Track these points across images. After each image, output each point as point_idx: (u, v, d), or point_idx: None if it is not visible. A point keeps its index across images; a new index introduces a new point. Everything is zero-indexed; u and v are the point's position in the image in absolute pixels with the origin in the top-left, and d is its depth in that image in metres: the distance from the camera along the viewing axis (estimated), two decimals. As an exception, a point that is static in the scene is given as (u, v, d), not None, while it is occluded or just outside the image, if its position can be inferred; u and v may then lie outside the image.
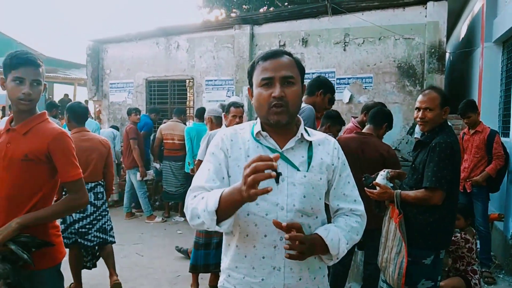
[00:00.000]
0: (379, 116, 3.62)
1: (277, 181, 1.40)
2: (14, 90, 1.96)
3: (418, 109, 2.75)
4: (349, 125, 4.82)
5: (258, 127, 1.54)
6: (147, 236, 6.03)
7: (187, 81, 8.56)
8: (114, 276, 3.97)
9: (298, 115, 1.59)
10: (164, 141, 6.85)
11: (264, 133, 1.53)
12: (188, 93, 8.84)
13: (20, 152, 1.98)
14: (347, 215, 1.56)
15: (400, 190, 2.74)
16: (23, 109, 2.02)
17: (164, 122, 7.35)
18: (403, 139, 6.64)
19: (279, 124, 1.48)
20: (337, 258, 1.49)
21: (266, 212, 1.45)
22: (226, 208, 1.31)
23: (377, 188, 2.79)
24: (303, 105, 3.47)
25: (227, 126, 3.92)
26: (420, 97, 2.76)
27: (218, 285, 1.61)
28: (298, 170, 1.48)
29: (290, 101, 1.47)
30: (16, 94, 1.96)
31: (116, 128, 8.13)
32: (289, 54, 1.56)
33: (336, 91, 6.83)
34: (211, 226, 1.35)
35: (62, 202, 2.07)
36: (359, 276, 4.00)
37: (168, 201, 7.15)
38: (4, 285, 2.01)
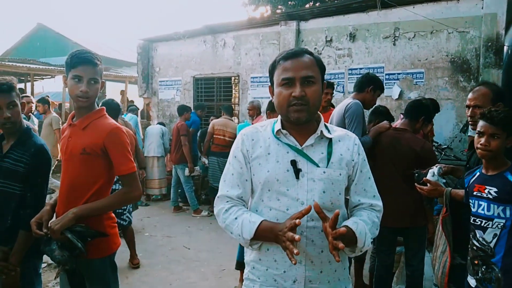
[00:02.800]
0: (414, 109, 3.42)
1: (297, 177, 1.51)
2: (73, 88, 2.08)
3: (468, 107, 2.61)
4: (398, 122, 4.67)
5: (278, 125, 1.60)
6: (194, 230, 6.18)
7: (233, 78, 8.65)
8: (136, 258, 4.72)
9: (319, 112, 1.64)
10: (214, 135, 6.89)
11: (284, 131, 1.58)
12: (233, 90, 8.94)
13: (79, 146, 2.09)
14: (367, 210, 1.60)
15: (451, 188, 2.63)
16: (81, 106, 2.13)
17: (212, 119, 7.47)
18: (455, 137, 6.34)
19: (299, 121, 1.53)
20: (360, 251, 1.53)
21: (287, 207, 1.51)
22: (259, 239, 1.50)
23: (428, 184, 2.70)
24: (349, 100, 3.42)
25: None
26: (469, 94, 2.63)
27: (243, 277, 1.69)
28: (318, 166, 1.53)
29: (311, 100, 1.52)
30: (75, 92, 2.08)
31: (163, 124, 8.37)
32: (310, 53, 1.59)
33: (385, 86, 6.69)
34: (243, 245, 1.58)
35: (116, 195, 2.17)
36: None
37: (214, 196, 7.26)
38: (63, 271, 2.14)
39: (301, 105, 1.50)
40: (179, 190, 7.48)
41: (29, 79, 14.24)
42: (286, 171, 1.51)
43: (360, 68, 6.89)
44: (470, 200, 2.26)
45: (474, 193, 2.23)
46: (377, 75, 6.70)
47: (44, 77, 15.90)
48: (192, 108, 8.11)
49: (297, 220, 1.33)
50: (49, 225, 2.02)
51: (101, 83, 2.17)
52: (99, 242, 2.10)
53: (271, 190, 1.53)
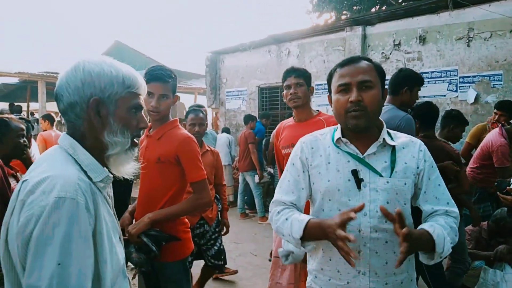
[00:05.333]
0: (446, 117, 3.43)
1: (358, 187, 1.47)
2: (146, 103, 2.23)
3: None
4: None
5: (338, 133, 1.56)
6: (260, 237, 6.24)
7: (298, 86, 8.67)
8: None
9: (380, 118, 1.58)
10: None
11: (344, 139, 1.54)
12: (298, 98, 8.94)
13: (154, 155, 2.24)
14: (443, 216, 1.50)
15: None
16: (153, 119, 2.28)
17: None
18: (542, 143, 5.81)
19: (358, 128, 1.48)
20: (440, 257, 1.43)
21: None
22: (310, 237, 1.45)
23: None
24: (390, 109, 2.96)
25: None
26: None
27: (306, 285, 1.67)
28: (381, 176, 1.47)
29: (369, 105, 1.47)
30: (147, 106, 2.23)
31: (228, 130, 8.58)
32: (368, 59, 1.56)
33: (459, 90, 6.33)
34: (296, 247, 1.51)
35: (187, 201, 2.27)
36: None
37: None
38: (139, 273, 2.28)
39: (359, 110, 1.46)
40: (245, 197, 7.64)
41: (108, 93, 15.34)
42: (347, 181, 1.48)
43: (432, 72, 6.59)
44: None
45: None
46: (450, 78, 6.42)
47: (121, 91, 16.99)
48: (257, 117, 8.25)
49: (352, 237, 1.25)
50: (127, 229, 2.17)
51: (175, 97, 2.30)
52: (173, 246, 2.21)
53: (332, 200, 1.51)
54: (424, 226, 1.42)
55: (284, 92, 2.85)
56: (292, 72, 2.86)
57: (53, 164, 1.08)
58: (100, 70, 1.15)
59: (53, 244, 0.94)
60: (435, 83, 6.58)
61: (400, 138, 1.57)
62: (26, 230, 0.96)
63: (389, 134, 1.57)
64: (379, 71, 1.55)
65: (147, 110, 2.23)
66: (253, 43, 9.01)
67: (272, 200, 1.64)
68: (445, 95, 6.53)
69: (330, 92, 1.62)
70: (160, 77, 2.20)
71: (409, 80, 3.04)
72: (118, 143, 1.18)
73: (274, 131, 3.05)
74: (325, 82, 6.66)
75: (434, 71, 6.56)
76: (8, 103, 12.07)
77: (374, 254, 1.45)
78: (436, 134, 3.68)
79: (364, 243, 1.45)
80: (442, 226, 1.44)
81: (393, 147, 1.52)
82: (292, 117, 2.92)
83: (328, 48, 7.97)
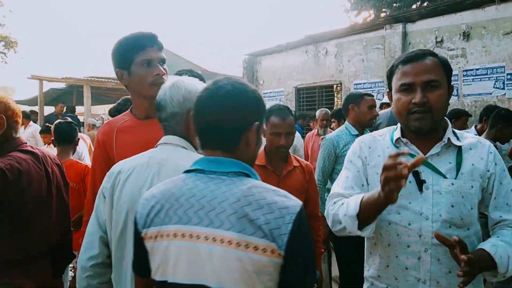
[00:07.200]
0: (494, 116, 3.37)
1: (420, 189, 1.37)
2: None
3: None
4: None
5: (397, 133, 1.47)
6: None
7: (335, 86, 8.57)
8: None
9: (445, 117, 1.47)
10: None
11: (404, 140, 1.45)
12: (335, 98, 8.85)
13: None
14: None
15: None
16: None
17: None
18: None
19: (421, 131, 1.39)
20: (504, 277, 1.32)
21: (408, 221, 1.38)
22: (367, 211, 1.30)
23: None
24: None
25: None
26: None
27: None
28: (445, 177, 1.37)
29: (434, 106, 1.36)
30: None
31: None
32: (433, 55, 1.43)
33: (506, 87, 6.04)
34: (353, 230, 1.36)
35: None
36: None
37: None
38: None
39: (423, 112, 1.35)
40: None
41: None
42: (408, 183, 1.34)
43: (477, 69, 6.32)
44: None
45: None
46: (497, 75, 6.14)
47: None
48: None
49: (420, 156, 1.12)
50: None
51: None
52: None
53: None
54: (486, 246, 1.31)
55: (141, 72, 1.65)
56: (154, 41, 1.68)
57: (193, 155, 1.36)
58: (196, 89, 1.38)
59: None
60: (480, 80, 6.32)
61: (467, 139, 1.46)
62: None
63: (454, 134, 1.46)
64: (446, 67, 1.43)
65: None
66: (290, 43, 9.00)
67: (329, 195, 1.53)
68: (491, 93, 6.25)
69: (390, 89, 1.51)
70: None
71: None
72: None
73: (100, 133, 1.80)
74: (365, 81, 6.66)
75: (480, 68, 6.29)
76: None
77: (435, 261, 1.36)
78: (484, 134, 3.51)
79: (425, 249, 1.35)
80: (508, 243, 1.33)
81: (459, 147, 1.42)
82: (129, 111, 1.81)
83: (367, 47, 7.82)
